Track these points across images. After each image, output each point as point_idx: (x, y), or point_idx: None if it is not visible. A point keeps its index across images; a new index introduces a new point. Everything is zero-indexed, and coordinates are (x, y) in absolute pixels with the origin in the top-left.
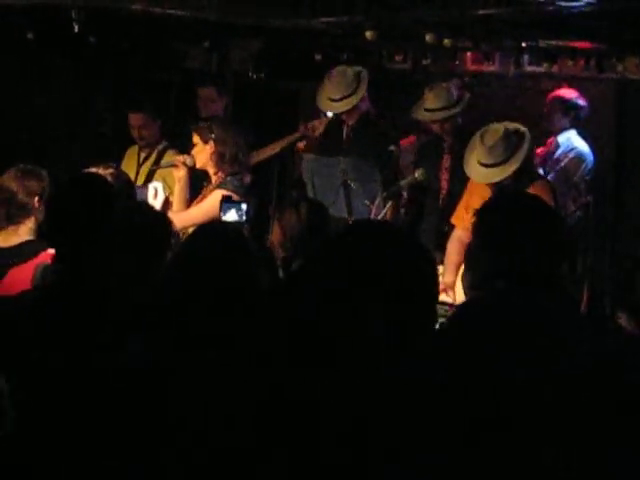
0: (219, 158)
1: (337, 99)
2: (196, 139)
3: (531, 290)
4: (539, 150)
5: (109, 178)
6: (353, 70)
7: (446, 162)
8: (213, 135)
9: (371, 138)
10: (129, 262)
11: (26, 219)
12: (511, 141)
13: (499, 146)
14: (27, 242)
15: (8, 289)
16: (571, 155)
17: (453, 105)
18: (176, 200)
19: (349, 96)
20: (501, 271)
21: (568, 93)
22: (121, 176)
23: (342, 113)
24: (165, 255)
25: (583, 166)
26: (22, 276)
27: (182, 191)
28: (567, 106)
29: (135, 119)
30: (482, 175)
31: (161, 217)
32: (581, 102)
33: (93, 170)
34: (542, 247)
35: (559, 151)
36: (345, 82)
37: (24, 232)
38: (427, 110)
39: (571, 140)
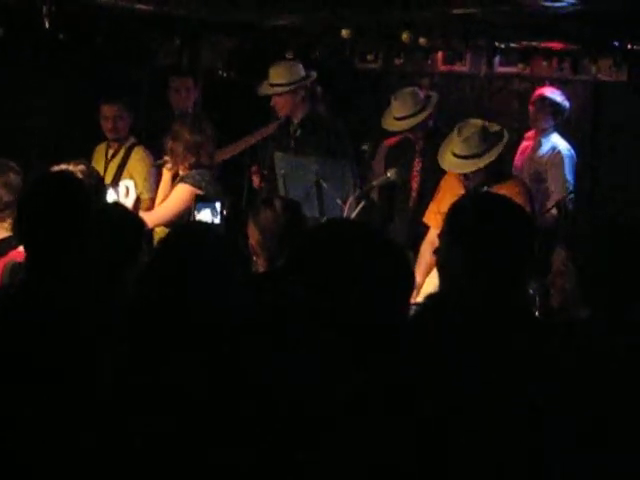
0: (172, 154)
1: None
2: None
3: (492, 290)
4: (521, 147)
5: (79, 175)
6: (288, 64)
7: (417, 165)
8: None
9: (319, 135)
10: (101, 262)
11: (9, 217)
12: (488, 137)
13: (474, 139)
14: (9, 238)
15: None
16: (553, 155)
17: (420, 111)
18: (160, 197)
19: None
20: (467, 271)
21: (557, 95)
22: (92, 173)
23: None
24: (137, 257)
25: (564, 165)
26: None
27: (167, 189)
28: (557, 109)
29: (109, 110)
30: (453, 165)
31: (134, 218)
32: (568, 105)
33: (63, 166)
34: (509, 248)
35: (541, 151)
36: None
37: (6, 230)
38: (396, 119)
39: (554, 141)
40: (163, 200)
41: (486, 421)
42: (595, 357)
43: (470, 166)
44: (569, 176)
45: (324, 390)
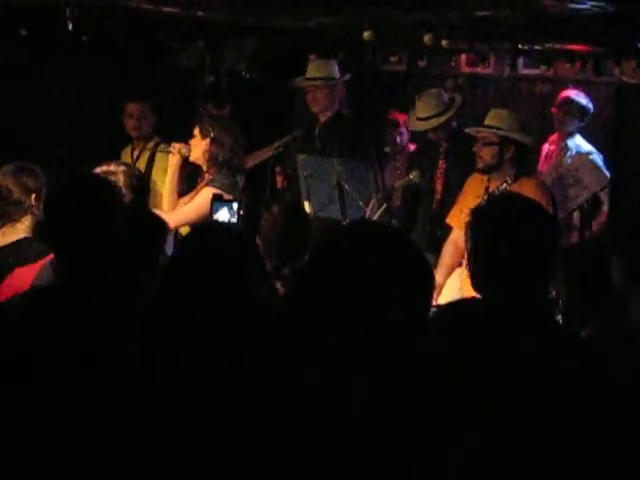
0: (212, 158)
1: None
2: (196, 131)
3: (512, 294)
4: (545, 151)
5: (121, 175)
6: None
7: (441, 167)
8: (212, 133)
9: (343, 137)
10: (123, 263)
11: (23, 217)
12: (521, 121)
13: (506, 114)
14: (26, 239)
15: (16, 287)
16: (580, 157)
17: (444, 111)
18: (167, 187)
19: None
20: (490, 273)
21: (582, 97)
22: (133, 172)
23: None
24: (158, 258)
25: (596, 162)
26: (28, 276)
27: (173, 178)
28: (583, 112)
29: (134, 109)
30: (478, 129)
31: (157, 219)
32: (592, 107)
33: (104, 167)
34: (531, 250)
35: (567, 155)
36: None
37: (21, 230)
38: (419, 119)
39: (578, 144)
40: (169, 185)
41: (485, 422)
42: (597, 362)
43: (494, 131)
44: (604, 170)
45: (324, 390)
